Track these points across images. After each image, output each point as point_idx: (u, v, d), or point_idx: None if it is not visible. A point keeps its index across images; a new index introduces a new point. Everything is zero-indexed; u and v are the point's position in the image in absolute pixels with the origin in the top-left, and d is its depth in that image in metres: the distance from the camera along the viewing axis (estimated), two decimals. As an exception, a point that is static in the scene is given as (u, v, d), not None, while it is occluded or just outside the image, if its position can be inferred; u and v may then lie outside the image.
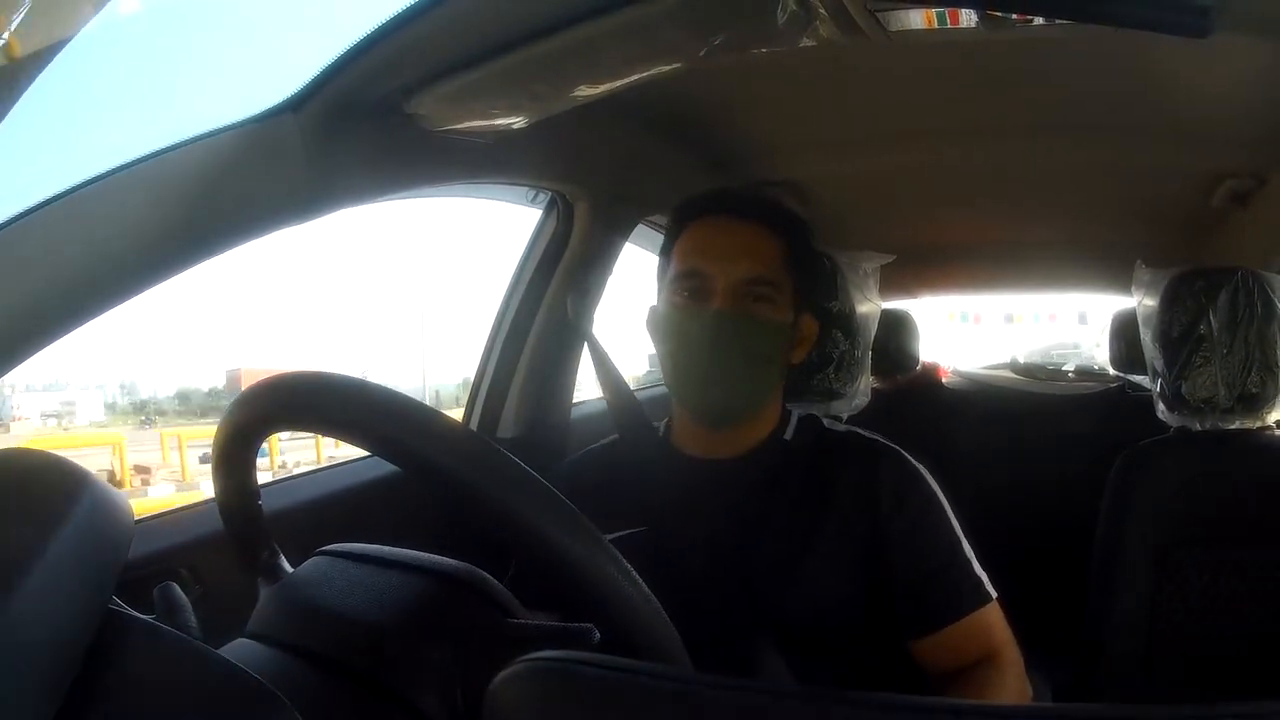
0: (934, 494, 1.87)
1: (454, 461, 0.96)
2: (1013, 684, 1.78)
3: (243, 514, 1.25)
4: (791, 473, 1.89)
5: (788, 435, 1.96)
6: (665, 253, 1.93)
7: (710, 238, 1.88)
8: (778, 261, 1.86)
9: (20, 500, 0.88)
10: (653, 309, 1.95)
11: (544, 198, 2.63)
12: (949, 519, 1.86)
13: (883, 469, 1.87)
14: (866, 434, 1.98)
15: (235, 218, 1.58)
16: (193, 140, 1.51)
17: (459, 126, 1.82)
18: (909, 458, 1.92)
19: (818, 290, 2.22)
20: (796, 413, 2.02)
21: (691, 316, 1.83)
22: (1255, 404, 2.32)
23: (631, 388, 2.16)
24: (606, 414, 2.08)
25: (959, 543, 1.84)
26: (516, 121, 1.84)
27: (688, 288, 1.84)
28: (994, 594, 1.83)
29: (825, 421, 2.02)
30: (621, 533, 1.10)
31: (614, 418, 2.04)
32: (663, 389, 2.08)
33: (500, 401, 2.67)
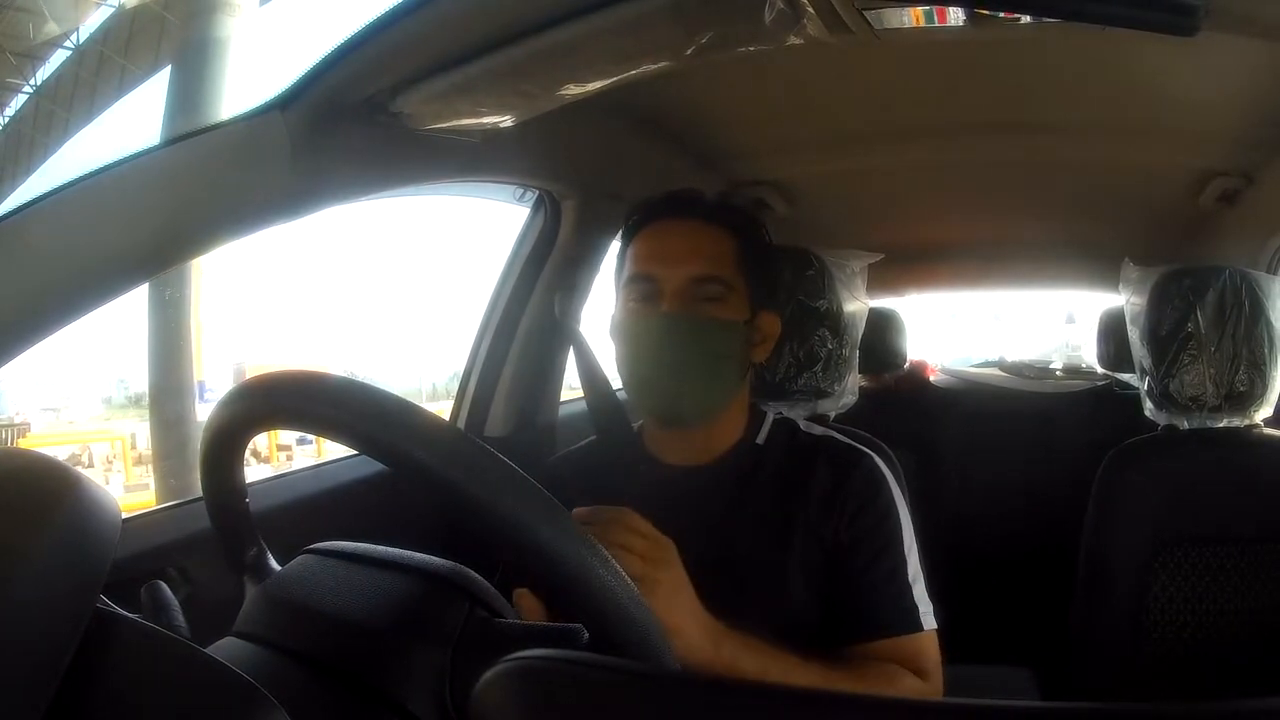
0: (894, 508, 1.85)
1: (440, 460, 0.96)
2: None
3: (230, 513, 1.25)
4: (764, 480, 1.88)
5: (760, 440, 1.95)
6: (619, 262, 1.93)
7: (658, 240, 1.87)
8: (728, 260, 1.85)
9: (8, 500, 0.88)
10: (611, 317, 1.95)
11: (531, 196, 2.63)
12: (902, 537, 1.82)
13: (853, 477, 1.85)
14: (843, 438, 1.96)
15: (223, 216, 1.59)
16: (181, 138, 1.51)
17: (446, 125, 1.82)
18: (881, 466, 1.89)
19: (778, 287, 2.19)
20: (772, 415, 2.00)
21: (641, 321, 1.83)
22: (1243, 402, 2.32)
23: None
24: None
25: (902, 564, 1.80)
26: (504, 120, 1.84)
27: (637, 292, 1.84)
28: (927, 625, 1.78)
29: (802, 424, 2.01)
30: None
31: (593, 419, 2.04)
32: None
33: (488, 400, 2.67)
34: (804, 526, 1.81)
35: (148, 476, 15.29)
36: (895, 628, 1.75)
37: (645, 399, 1.87)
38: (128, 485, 15.88)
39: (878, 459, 1.90)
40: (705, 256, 1.83)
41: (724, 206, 1.95)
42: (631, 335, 1.85)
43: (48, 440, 17.75)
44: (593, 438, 2.06)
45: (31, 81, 24.17)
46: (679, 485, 1.89)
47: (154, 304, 11.53)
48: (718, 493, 1.87)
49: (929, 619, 1.78)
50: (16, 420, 19.63)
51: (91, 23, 23.00)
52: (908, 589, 1.78)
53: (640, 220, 1.91)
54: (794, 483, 1.86)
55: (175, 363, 11.15)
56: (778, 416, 2.01)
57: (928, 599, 1.80)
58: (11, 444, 17.05)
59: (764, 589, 1.78)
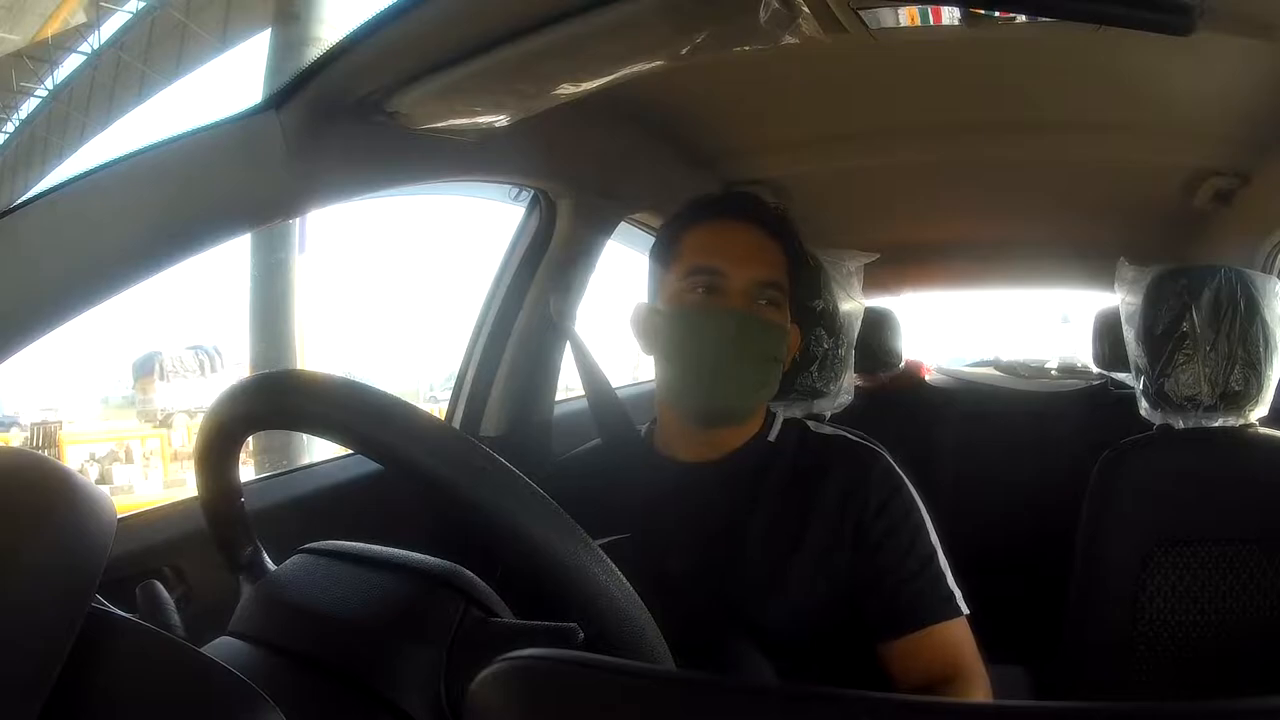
0: (915, 503, 1.87)
1: (436, 460, 0.96)
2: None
3: (225, 512, 1.25)
4: (775, 474, 1.89)
5: (772, 437, 1.95)
6: (666, 250, 1.93)
7: (724, 237, 1.88)
8: (783, 270, 1.88)
9: (2, 500, 0.88)
10: (645, 307, 1.96)
11: (526, 195, 2.62)
12: (927, 530, 1.85)
13: (871, 475, 1.86)
14: (854, 436, 1.98)
15: (218, 216, 1.58)
16: (176, 139, 1.51)
17: (441, 125, 1.82)
18: (895, 465, 1.91)
19: (805, 299, 2.22)
20: (781, 414, 2.02)
21: (706, 314, 1.83)
22: (1238, 401, 2.31)
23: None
24: (589, 412, 2.08)
25: (935, 554, 1.83)
26: (499, 120, 1.83)
27: (701, 284, 1.84)
28: (965, 610, 1.81)
29: (811, 425, 2.02)
30: (606, 539, 1.09)
31: (596, 420, 2.04)
32: (644, 389, 2.08)
33: (483, 400, 2.66)
34: (821, 523, 1.82)
35: (183, 473, 15.51)
36: (937, 614, 1.78)
37: (693, 393, 1.88)
38: (167, 482, 16.07)
39: (891, 463, 1.92)
40: (769, 262, 1.86)
41: (782, 217, 1.97)
42: (689, 326, 1.85)
43: (83, 439, 17.92)
44: (597, 441, 2.06)
45: (47, 84, 24.26)
46: (691, 482, 1.90)
47: (256, 304, 11.64)
48: (731, 488, 1.88)
49: (964, 605, 1.81)
50: (50, 419, 19.82)
51: (108, 29, 23.12)
52: (943, 577, 1.82)
53: (700, 216, 1.93)
54: (808, 479, 1.87)
55: (281, 362, 11.18)
56: (787, 416, 2.03)
57: (957, 587, 1.83)
58: (44, 443, 17.21)
59: (779, 585, 1.79)
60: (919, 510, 1.86)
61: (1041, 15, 1.67)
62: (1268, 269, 2.90)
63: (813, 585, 1.79)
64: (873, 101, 2.49)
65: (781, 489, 1.87)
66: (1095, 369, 3.80)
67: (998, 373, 4.81)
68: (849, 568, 1.80)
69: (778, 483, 1.88)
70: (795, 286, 1.93)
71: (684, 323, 1.86)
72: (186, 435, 18.37)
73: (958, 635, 1.79)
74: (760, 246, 1.87)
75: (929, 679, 1.75)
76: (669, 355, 1.88)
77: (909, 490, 1.87)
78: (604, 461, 2.00)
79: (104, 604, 0.95)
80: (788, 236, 1.93)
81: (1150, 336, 2.37)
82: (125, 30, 23.09)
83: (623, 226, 2.81)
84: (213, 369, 20.62)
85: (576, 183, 2.55)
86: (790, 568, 1.80)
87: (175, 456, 17.48)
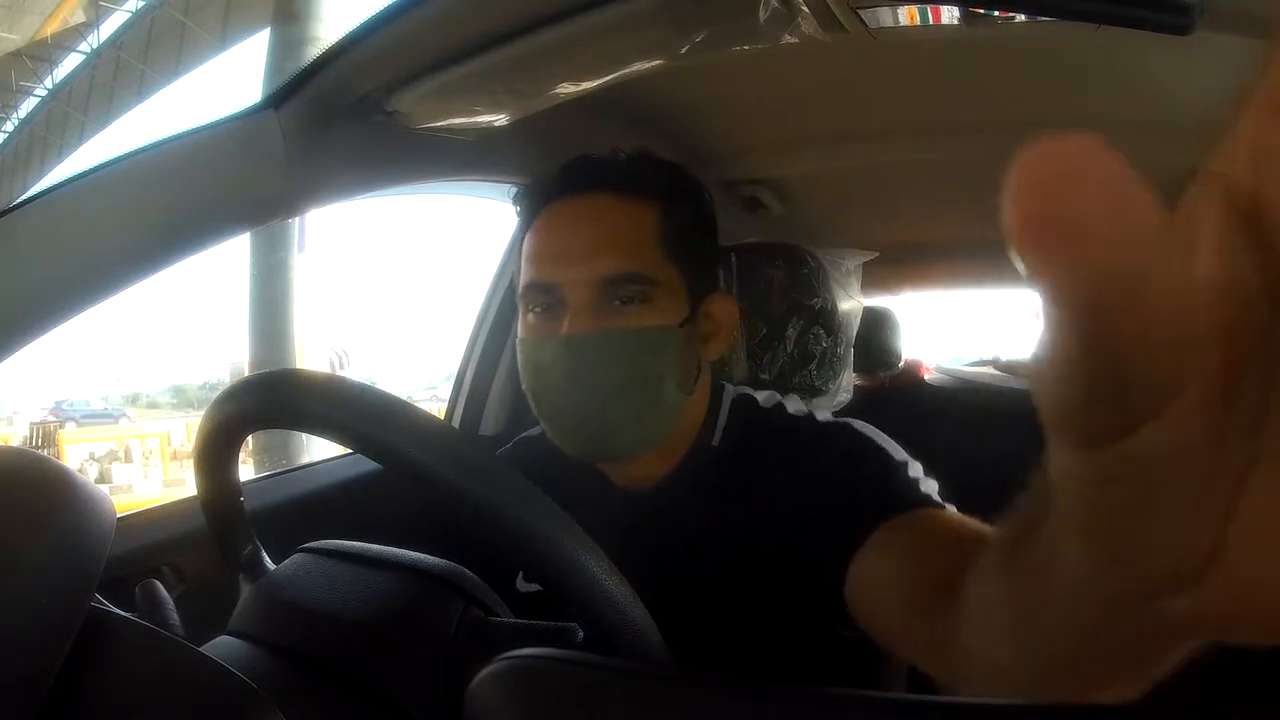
0: (888, 458, 1.40)
1: (437, 460, 0.96)
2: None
3: (225, 511, 1.25)
4: (725, 488, 1.46)
5: (715, 441, 1.53)
6: (513, 256, 1.63)
7: (554, 233, 1.45)
8: (650, 243, 1.42)
9: (2, 500, 0.88)
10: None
11: (527, 195, 2.63)
12: (895, 461, 1.39)
13: (829, 449, 1.41)
14: (814, 417, 1.54)
15: (216, 215, 1.58)
16: (174, 138, 1.51)
17: (441, 124, 1.82)
18: (865, 431, 1.46)
19: (715, 261, 1.65)
20: (729, 398, 1.59)
21: (541, 343, 1.42)
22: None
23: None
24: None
25: (908, 462, 1.40)
26: (499, 119, 1.83)
27: (536, 304, 1.44)
28: (946, 506, 1.33)
29: (760, 398, 1.59)
30: None
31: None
32: None
33: (483, 400, 2.67)
34: (781, 537, 1.35)
35: (182, 472, 15.69)
36: (906, 503, 1.29)
37: (559, 437, 1.47)
38: (166, 481, 16.18)
39: (856, 424, 1.48)
40: (618, 245, 1.40)
41: (639, 168, 1.52)
42: (531, 360, 1.44)
43: (83, 438, 18.09)
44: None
45: (46, 84, 24.37)
46: (629, 511, 1.51)
47: (255, 304, 11.69)
48: (671, 514, 1.49)
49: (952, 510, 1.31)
50: (49, 419, 20.09)
51: (108, 28, 23.27)
52: (922, 480, 1.38)
53: (531, 205, 1.51)
54: (764, 484, 1.43)
55: (281, 362, 11.22)
56: (736, 397, 1.60)
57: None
58: (44, 443, 17.37)
59: (737, 629, 1.39)
60: (892, 460, 1.40)
61: (1041, 15, 1.67)
62: (1267, 268, 2.90)
63: (780, 623, 1.39)
64: (873, 100, 2.48)
65: (732, 505, 1.44)
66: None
67: (998, 372, 4.80)
68: (813, 568, 1.29)
69: (727, 498, 1.45)
70: (691, 256, 1.46)
71: (522, 358, 1.46)
72: (186, 434, 18.50)
73: (948, 519, 1.29)
74: (606, 224, 1.42)
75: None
76: (525, 390, 1.49)
77: (877, 448, 1.42)
78: (553, 460, 1.56)
79: (103, 603, 0.96)
80: (659, 193, 1.47)
81: (1149, 335, 2.37)
82: (125, 29, 23.20)
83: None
84: (341, 367, 21.53)
85: (576, 182, 2.55)
86: (750, 608, 1.39)
87: (174, 456, 17.62)
